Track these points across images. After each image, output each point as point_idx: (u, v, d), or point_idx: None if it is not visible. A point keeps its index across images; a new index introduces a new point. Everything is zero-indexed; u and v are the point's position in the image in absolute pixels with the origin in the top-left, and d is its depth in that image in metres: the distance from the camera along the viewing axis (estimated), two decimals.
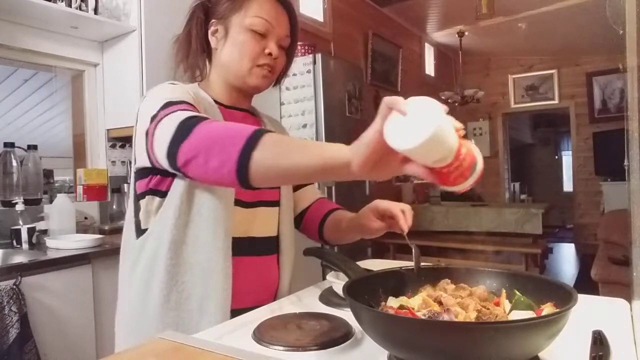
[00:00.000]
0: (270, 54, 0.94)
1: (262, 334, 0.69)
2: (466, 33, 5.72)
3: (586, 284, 3.20)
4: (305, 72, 2.90)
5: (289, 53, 1.01)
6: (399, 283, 0.71)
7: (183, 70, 1.00)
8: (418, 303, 0.64)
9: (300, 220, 1.11)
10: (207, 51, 0.99)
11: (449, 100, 5.50)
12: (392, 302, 0.65)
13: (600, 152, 5.87)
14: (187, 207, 0.86)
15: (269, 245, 0.99)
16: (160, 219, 0.87)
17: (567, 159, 8.86)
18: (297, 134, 2.93)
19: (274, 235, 1.00)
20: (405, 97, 0.54)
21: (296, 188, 1.10)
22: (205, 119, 0.74)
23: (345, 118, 3.11)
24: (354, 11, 4.49)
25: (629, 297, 0.80)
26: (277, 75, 1.00)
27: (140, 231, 0.90)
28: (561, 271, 5.36)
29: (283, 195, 1.03)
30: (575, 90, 6.35)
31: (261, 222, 0.97)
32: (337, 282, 0.90)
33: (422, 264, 0.77)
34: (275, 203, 1.01)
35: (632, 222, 0.73)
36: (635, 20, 0.66)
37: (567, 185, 8.80)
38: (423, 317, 0.58)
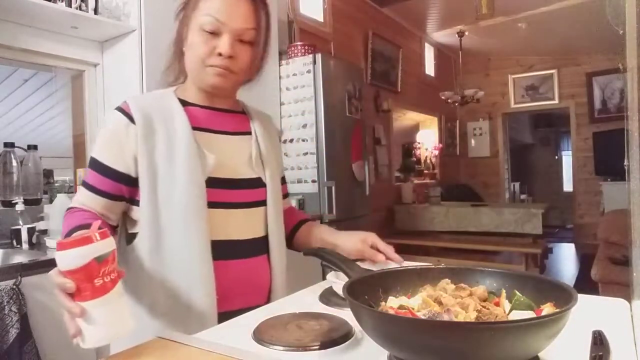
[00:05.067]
0: (220, 54, 0.90)
1: (262, 334, 0.69)
2: (466, 33, 5.72)
3: (586, 284, 3.20)
4: (305, 72, 2.90)
5: (258, 45, 0.96)
6: (399, 283, 0.71)
7: (171, 74, 1.02)
8: (418, 303, 0.64)
9: None
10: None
11: (449, 100, 5.50)
12: (392, 302, 0.65)
13: (600, 152, 5.87)
14: (157, 215, 0.88)
15: (258, 246, 0.99)
16: (140, 227, 0.90)
17: (567, 159, 8.86)
18: (297, 134, 2.93)
19: (262, 236, 1.00)
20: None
21: None
22: (71, 208, 0.89)
23: (345, 118, 3.10)
24: (354, 11, 4.49)
25: (629, 297, 0.80)
26: (242, 72, 0.96)
27: (128, 236, 0.93)
28: (561, 271, 5.36)
29: (270, 194, 1.02)
30: (575, 90, 6.35)
31: (246, 223, 0.97)
32: (337, 282, 0.89)
33: (422, 264, 0.77)
34: (262, 203, 1.00)
35: (632, 222, 0.73)
36: (635, 20, 0.66)
37: (567, 185, 8.80)
38: (423, 317, 0.58)
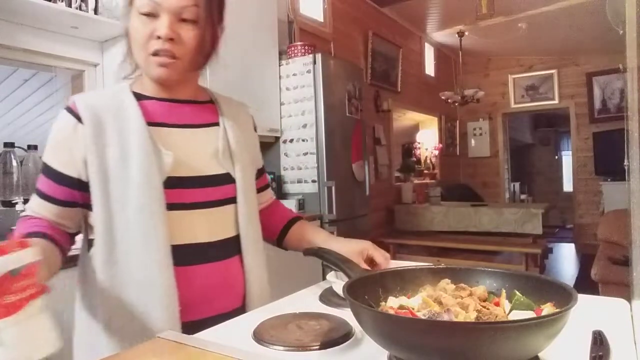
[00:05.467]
0: (159, 37, 0.81)
1: (262, 334, 0.69)
2: (466, 33, 5.72)
3: (586, 284, 3.20)
4: (305, 72, 2.90)
5: (202, 22, 0.84)
6: (399, 283, 0.71)
7: (127, 67, 0.93)
8: (418, 303, 0.64)
9: None
10: None
11: (449, 100, 5.50)
12: (392, 302, 0.65)
13: (600, 152, 5.87)
14: (109, 224, 0.81)
15: (229, 248, 0.92)
16: (95, 234, 0.83)
17: (567, 159, 8.86)
18: (297, 134, 2.93)
19: (233, 236, 0.93)
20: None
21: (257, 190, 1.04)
22: (24, 217, 0.85)
23: (345, 118, 3.10)
24: (354, 11, 4.49)
25: (629, 297, 0.80)
26: (189, 56, 0.85)
27: (89, 243, 0.87)
28: (561, 271, 5.36)
29: (241, 190, 0.93)
30: (575, 90, 6.35)
31: (215, 224, 0.90)
32: (337, 282, 0.90)
33: (422, 264, 0.77)
34: (231, 200, 0.93)
35: (632, 222, 0.73)
36: (635, 20, 0.66)
37: (567, 185, 8.79)
38: (423, 317, 0.58)
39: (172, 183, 0.84)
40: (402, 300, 0.66)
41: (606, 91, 6.13)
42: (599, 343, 0.61)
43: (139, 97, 0.89)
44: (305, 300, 0.93)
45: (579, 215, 6.40)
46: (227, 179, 0.92)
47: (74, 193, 0.83)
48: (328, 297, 0.92)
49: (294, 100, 2.94)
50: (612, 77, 5.95)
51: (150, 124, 0.86)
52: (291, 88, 2.95)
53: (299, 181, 2.95)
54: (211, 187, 0.90)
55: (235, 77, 2.59)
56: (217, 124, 0.96)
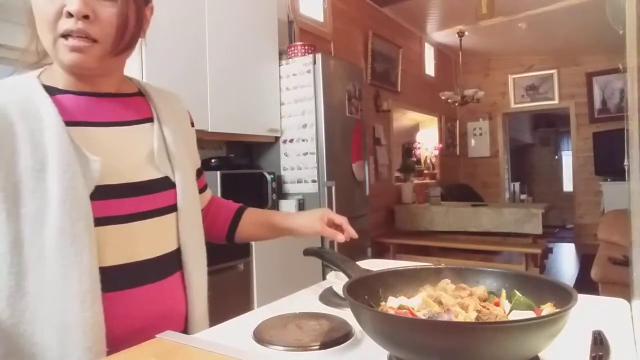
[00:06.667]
0: (70, 14, 0.66)
1: (262, 334, 0.69)
2: (466, 33, 5.72)
3: (586, 284, 3.20)
4: (305, 72, 2.90)
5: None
6: (399, 283, 0.71)
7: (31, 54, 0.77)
8: (418, 303, 0.64)
9: None
10: None
11: (449, 100, 5.51)
12: (392, 302, 0.65)
13: (600, 152, 5.87)
14: (18, 248, 0.65)
15: (169, 264, 0.79)
16: None
17: (567, 159, 8.86)
18: (297, 134, 2.93)
19: (172, 250, 0.79)
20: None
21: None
22: None
23: (345, 118, 3.11)
24: (354, 11, 4.49)
25: (629, 297, 0.80)
26: (109, 39, 0.70)
27: None
28: (561, 271, 5.36)
29: (182, 195, 0.81)
30: (575, 90, 6.35)
31: (153, 238, 0.76)
32: (337, 282, 0.90)
33: (422, 264, 0.77)
34: (172, 208, 0.80)
35: (632, 222, 0.73)
36: (635, 20, 0.66)
37: (567, 185, 8.79)
38: (423, 317, 0.58)
39: (101, 194, 0.70)
40: (402, 300, 0.66)
41: (606, 91, 6.13)
42: (599, 343, 0.61)
43: (50, 91, 0.72)
44: (305, 300, 0.93)
45: (579, 215, 6.40)
46: (165, 183, 0.79)
47: None
48: (328, 297, 0.92)
49: (294, 100, 2.94)
50: (612, 77, 5.95)
51: (69, 123, 0.70)
52: (291, 88, 2.95)
53: (299, 181, 2.95)
54: (148, 195, 0.76)
55: (235, 77, 2.59)
56: (149, 119, 0.82)
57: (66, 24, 0.67)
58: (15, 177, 0.66)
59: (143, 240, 0.75)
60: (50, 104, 0.70)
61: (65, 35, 0.68)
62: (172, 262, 0.80)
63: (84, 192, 0.68)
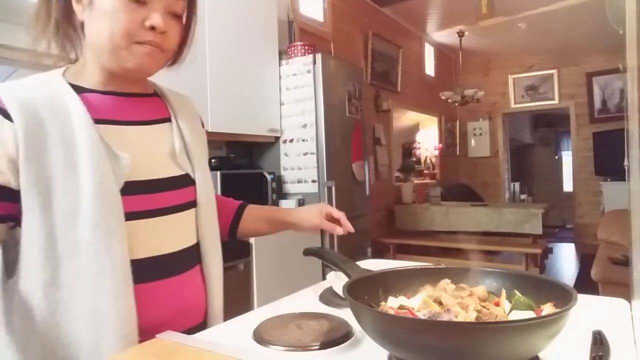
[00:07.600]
0: (153, 28, 0.73)
1: (262, 334, 0.69)
2: (466, 33, 5.72)
3: (586, 284, 3.20)
4: (305, 72, 2.90)
5: (186, 20, 0.80)
6: (399, 283, 0.71)
7: (49, 46, 0.77)
8: (418, 303, 0.64)
9: None
10: (76, 23, 0.77)
11: (449, 100, 5.51)
12: (392, 302, 0.65)
13: (600, 152, 5.87)
14: (52, 240, 0.68)
15: (189, 257, 0.83)
16: (26, 254, 0.69)
17: (567, 159, 8.86)
18: (297, 134, 2.93)
19: (193, 244, 0.84)
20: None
21: None
22: None
23: (345, 118, 3.11)
24: (354, 11, 4.49)
25: (629, 297, 0.80)
26: (171, 53, 0.80)
27: (8, 265, 0.72)
28: (561, 271, 5.37)
29: (201, 192, 0.85)
30: (575, 90, 6.35)
31: (176, 232, 0.80)
32: (337, 282, 0.90)
33: (422, 264, 0.77)
34: (192, 204, 0.84)
35: (632, 222, 0.73)
36: (635, 20, 0.66)
37: (567, 185, 8.79)
38: (423, 317, 0.58)
39: (130, 189, 0.73)
40: (402, 300, 0.66)
41: (606, 91, 6.13)
42: (599, 343, 0.61)
43: (76, 89, 0.74)
44: (305, 300, 0.93)
45: (579, 215, 6.40)
46: (186, 180, 0.83)
47: (6, 205, 0.68)
48: (328, 297, 0.92)
49: (294, 100, 2.94)
50: (612, 77, 5.95)
51: (97, 121, 0.73)
52: (291, 88, 2.95)
53: (299, 181, 2.95)
54: (172, 191, 0.80)
55: (235, 77, 2.59)
56: (167, 119, 0.86)
57: (147, 36, 0.73)
58: (47, 173, 0.68)
59: (167, 235, 0.79)
60: (79, 102, 0.72)
61: (140, 42, 0.73)
62: (192, 256, 0.84)
63: (115, 188, 0.71)
